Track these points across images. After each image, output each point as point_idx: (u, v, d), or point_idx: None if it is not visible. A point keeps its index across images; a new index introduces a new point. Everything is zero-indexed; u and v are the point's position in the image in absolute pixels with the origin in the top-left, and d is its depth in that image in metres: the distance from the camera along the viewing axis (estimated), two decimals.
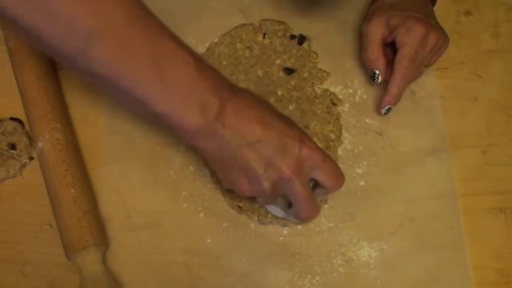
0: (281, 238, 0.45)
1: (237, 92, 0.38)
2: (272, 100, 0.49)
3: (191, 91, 0.35)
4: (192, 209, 0.46)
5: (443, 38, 0.45)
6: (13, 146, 0.49)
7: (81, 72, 0.35)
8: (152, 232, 0.46)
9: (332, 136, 0.47)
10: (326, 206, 0.46)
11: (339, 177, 0.41)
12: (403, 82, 0.45)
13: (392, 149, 0.47)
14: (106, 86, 0.35)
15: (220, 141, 0.37)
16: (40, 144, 0.46)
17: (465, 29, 0.51)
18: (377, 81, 0.47)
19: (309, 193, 0.40)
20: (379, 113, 0.47)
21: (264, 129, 0.37)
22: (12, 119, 0.50)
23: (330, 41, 0.51)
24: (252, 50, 0.51)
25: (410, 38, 0.43)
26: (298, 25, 0.51)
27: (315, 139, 0.47)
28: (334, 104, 0.49)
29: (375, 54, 0.46)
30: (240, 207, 0.46)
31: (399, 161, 0.47)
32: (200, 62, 0.36)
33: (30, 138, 0.49)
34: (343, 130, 0.48)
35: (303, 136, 0.39)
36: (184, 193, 0.47)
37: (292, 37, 0.51)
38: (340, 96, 0.49)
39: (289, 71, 0.50)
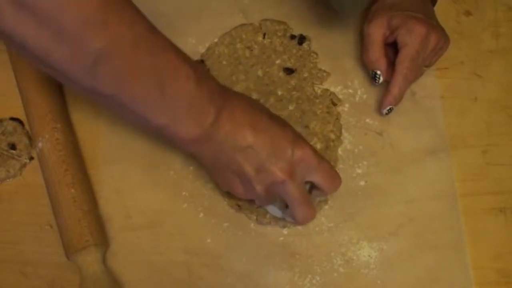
0: (281, 238, 0.45)
1: (232, 97, 0.39)
2: (272, 100, 0.49)
3: (190, 104, 0.36)
4: (192, 209, 0.46)
5: (444, 38, 0.45)
6: (13, 146, 0.49)
7: (83, 90, 0.34)
8: (152, 232, 0.46)
9: (332, 136, 0.47)
10: (326, 206, 0.46)
11: (335, 180, 0.41)
12: (404, 82, 0.45)
13: (392, 149, 0.47)
14: (107, 102, 0.35)
15: (215, 146, 0.38)
16: (40, 144, 0.46)
17: (465, 29, 0.51)
18: (379, 81, 0.47)
19: (303, 196, 0.40)
20: (380, 114, 0.47)
21: (256, 134, 0.38)
22: (12, 119, 0.50)
23: (330, 41, 0.51)
24: (252, 50, 0.51)
25: (412, 38, 0.43)
26: (298, 25, 0.51)
27: (315, 139, 0.47)
28: (334, 104, 0.49)
29: (377, 55, 0.46)
30: (239, 205, 0.46)
31: (399, 161, 0.47)
32: (199, 74, 0.37)
33: (30, 138, 0.49)
34: (343, 130, 0.48)
35: (297, 138, 0.39)
36: (184, 193, 0.47)
37: (292, 37, 0.51)
38: (340, 96, 0.49)
39: (289, 71, 0.50)
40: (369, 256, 0.44)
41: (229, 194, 0.46)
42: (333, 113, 0.48)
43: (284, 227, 0.45)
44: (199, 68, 0.37)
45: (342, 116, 0.48)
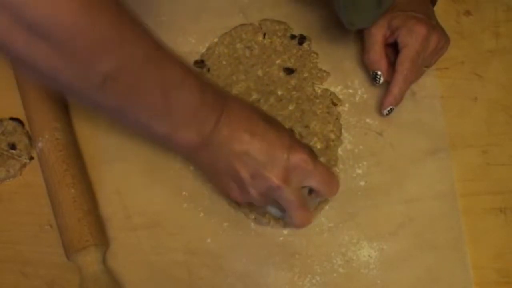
0: (281, 238, 0.45)
1: (230, 102, 0.39)
2: (272, 100, 0.49)
3: (193, 113, 0.37)
4: (192, 209, 0.46)
5: (444, 38, 0.45)
6: (13, 146, 0.49)
7: (89, 104, 0.35)
8: (152, 232, 0.46)
9: (332, 136, 0.47)
10: (327, 207, 0.46)
11: (332, 184, 0.41)
12: (405, 83, 0.45)
13: (392, 149, 0.47)
14: (112, 114, 0.36)
15: (212, 152, 0.39)
16: (40, 144, 0.46)
17: (465, 29, 0.51)
18: (379, 82, 0.47)
19: (299, 201, 0.40)
20: (381, 114, 0.47)
21: (252, 140, 0.38)
22: (12, 119, 0.50)
23: (330, 41, 0.51)
24: (252, 50, 0.51)
25: (412, 39, 0.43)
26: (298, 25, 0.51)
27: (315, 139, 0.47)
28: (334, 104, 0.49)
29: (377, 55, 0.46)
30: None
31: (399, 161, 0.47)
32: (202, 84, 0.37)
33: (30, 138, 0.49)
34: (343, 130, 0.48)
35: (293, 143, 0.39)
36: (184, 193, 0.47)
37: (292, 37, 0.51)
38: (340, 96, 0.49)
39: (289, 71, 0.50)
40: (369, 256, 0.44)
41: None
42: (333, 113, 0.48)
43: (284, 226, 0.45)
44: (201, 77, 0.38)
45: (342, 116, 0.48)
